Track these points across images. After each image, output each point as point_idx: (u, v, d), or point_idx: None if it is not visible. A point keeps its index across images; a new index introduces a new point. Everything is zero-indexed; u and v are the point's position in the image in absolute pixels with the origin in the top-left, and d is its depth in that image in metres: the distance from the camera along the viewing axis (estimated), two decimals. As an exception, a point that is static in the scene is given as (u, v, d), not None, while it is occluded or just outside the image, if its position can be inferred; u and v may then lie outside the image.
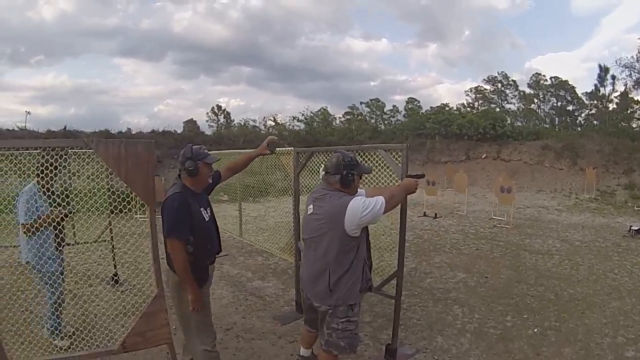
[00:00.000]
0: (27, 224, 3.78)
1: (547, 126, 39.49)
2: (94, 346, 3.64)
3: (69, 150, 3.99)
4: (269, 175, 7.44)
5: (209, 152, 3.30)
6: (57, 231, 3.98)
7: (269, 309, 5.38)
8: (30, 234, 3.81)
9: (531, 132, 25.36)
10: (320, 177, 3.25)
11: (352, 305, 3.04)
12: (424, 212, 12.77)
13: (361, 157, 4.47)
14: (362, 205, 2.86)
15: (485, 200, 16.12)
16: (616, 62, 23.33)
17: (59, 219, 3.93)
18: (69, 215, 4.11)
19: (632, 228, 9.85)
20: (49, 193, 3.81)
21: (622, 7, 77.42)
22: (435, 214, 12.49)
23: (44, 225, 3.83)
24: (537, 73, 46.65)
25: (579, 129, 36.76)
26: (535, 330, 4.77)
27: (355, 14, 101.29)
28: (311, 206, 3.14)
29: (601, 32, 79.55)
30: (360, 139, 25.07)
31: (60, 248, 4.10)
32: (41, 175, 3.55)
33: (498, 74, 47.35)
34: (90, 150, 3.01)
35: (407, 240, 8.54)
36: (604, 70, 39.06)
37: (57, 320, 4.18)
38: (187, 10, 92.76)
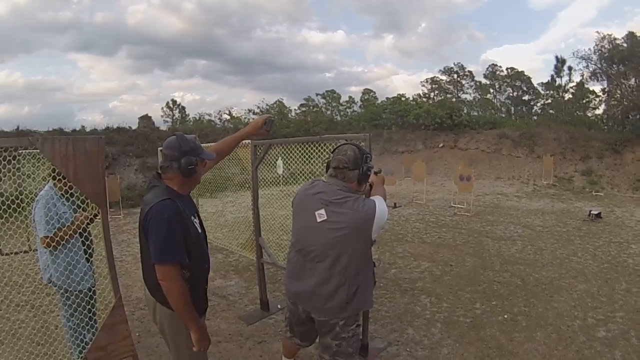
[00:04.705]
0: (49, 236, 3.18)
1: (504, 115, 40.26)
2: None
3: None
4: (225, 170, 7.19)
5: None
6: (83, 239, 3.37)
7: (233, 308, 5.16)
8: (53, 247, 3.21)
9: (488, 121, 25.75)
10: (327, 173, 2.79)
11: None
12: (384, 202, 12.68)
13: (321, 148, 4.30)
14: (384, 208, 2.59)
15: (444, 188, 16.24)
16: (573, 54, 24.08)
17: (85, 225, 3.32)
18: (95, 218, 3.31)
19: (591, 212, 10.04)
20: (68, 195, 3.28)
21: (578, 2, 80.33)
22: (395, 204, 12.47)
23: (69, 234, 3.22)
24: (493, 64, 47.50)
25: (535, 118, 37.63)
26: (506, 316, 4.71)
27: (312, 6, 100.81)
28: (322, 211, 2.61)
29: (557, 26, 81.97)
30: (316, 131, 24.94)
31: (92, 259, 3.51)
32: (57, 176, 3.15)
33: (454, 64, 47.88)
34: (36, 150, 2.73)
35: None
36: (560, 62, 39.99)
37: (83, 346, 3.43)
38: (142, 2, 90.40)
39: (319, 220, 2.61)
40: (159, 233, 2.23)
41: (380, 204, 2.58)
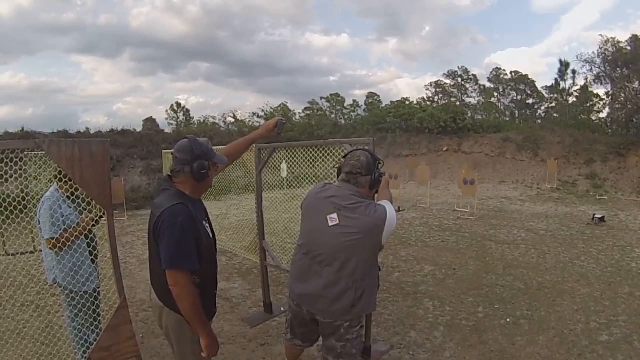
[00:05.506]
0: (54, 238, 3.19)
1: (508, 119, 40.10)
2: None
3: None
4: (230, 172, 7.21)
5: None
6: (88, 241, 3.40)
7: (236, 311, 5.18)
8: (58, 248, 3.22)
9: (492, 125, 25.73)
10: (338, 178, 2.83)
11: None
12: (388, 206, 12.65)
13: (325, 152, 4.31)
14: (394, 214, 2.62)
15: (448, 192, 16.19)
16: (577, 57, 23.77)
17: (90, 227, 3.35)
18: (100, 220, 3.36)
19: (595, 216, 10.01)
20: (73, 197, 3.32)
21: (581, 6, 79.90)
22: (399, 207, 12.42)
23: (74, 236, 3.22)
24: (497, 67, 47.13)
25: (539, 121, 37.52)
26: (508, 320, 4.72)
27: (316, 9, 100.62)
28: (334, 215, 2.62)
29: (561, 29, 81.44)
30: (320, 134, 24.93)
31: (96, 261, 3.51)
32: (63, 178, 3.11)
33: (458, 68, 47.56)
34: (42, 152, 2.74)
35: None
36: (564, 65, 39.73)
37: (87, 347, 3.43)
38: (145, 4, 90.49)
39: (330, 224, 2.61)
40: (172, 238, 2.18)
41: (390, 210, 2.61)
